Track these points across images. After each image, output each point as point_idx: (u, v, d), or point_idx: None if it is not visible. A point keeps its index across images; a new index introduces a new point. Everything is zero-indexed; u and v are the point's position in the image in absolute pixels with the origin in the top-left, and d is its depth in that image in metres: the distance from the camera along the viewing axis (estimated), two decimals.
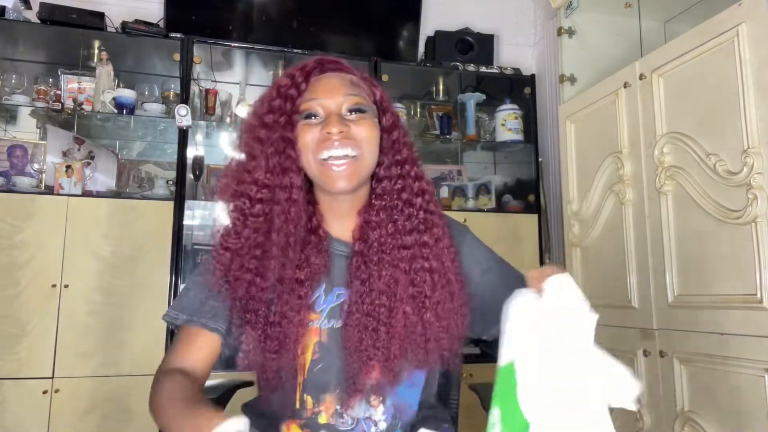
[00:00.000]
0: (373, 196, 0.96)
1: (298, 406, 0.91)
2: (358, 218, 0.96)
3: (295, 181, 0.90)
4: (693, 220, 1.58)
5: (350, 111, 0.92)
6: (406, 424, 0.95)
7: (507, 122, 2.81)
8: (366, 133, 0.92)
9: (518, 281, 0.94)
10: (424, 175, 0.99)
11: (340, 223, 0.97)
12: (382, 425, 0.92)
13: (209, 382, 1.00)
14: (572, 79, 2.25)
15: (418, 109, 3.00)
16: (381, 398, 0.92)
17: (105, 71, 2.43)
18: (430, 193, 0.98)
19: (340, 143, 0.89)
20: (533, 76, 2.97)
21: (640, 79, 1.77)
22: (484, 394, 1.63)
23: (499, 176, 3.00)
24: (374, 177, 0.97)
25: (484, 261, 1.05)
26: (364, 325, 0.88)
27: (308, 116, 0.91)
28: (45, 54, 2.61)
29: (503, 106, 2.84)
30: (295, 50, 2.67)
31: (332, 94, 0.92)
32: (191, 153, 2.57)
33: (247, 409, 0.99)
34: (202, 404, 0.77)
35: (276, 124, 0.91)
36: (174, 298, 2.26)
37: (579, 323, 0.77)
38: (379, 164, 0.96)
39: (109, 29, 2.53)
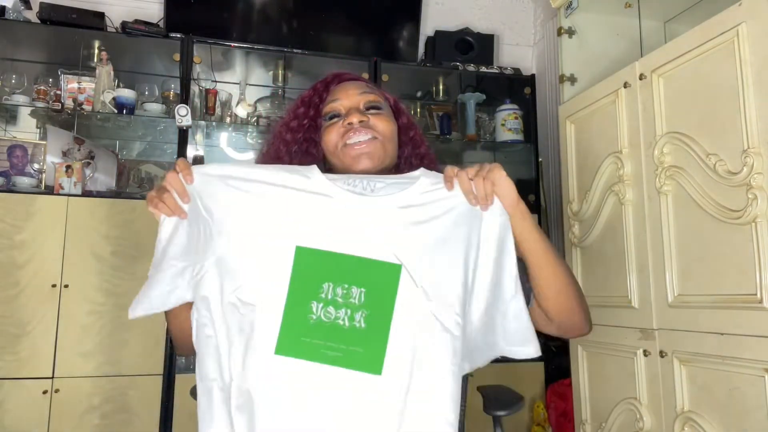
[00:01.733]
0: None
1: None
2: None
3: None
4: (693, 220, 1.58)
5: (367, 108, 1.02)
6: None
7: (507, 122, 2.82)
8: (384, 124, 1.01)
9: None
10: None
11: None
12: None
13: None
14: (572, 79, 2.25)
15: (418, 109, 3.00)
16: None
17: (105, 71, 2.43)
18: None
19: (361, 131, 0.98)
20: (533, 76, 2.97)
21: (640, 79, 1.77)
22: (491, 398, 1.62)
23: None
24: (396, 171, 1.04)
25: None
26: None
27: (331, 117, 1.02)
28: (45, 54, 2.61)
29: (503, 106, 2.84)
30: (295, 50, 2.67)
31: (350, 96, 1.02)
32: (191, 153, 2.57)
33: None
34: None
35: (301, 127, 1.03)
36: None
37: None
38: (398, 157, 1.05)
39: (109, 29, 2.54)
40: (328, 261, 0.79)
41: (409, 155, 1.06)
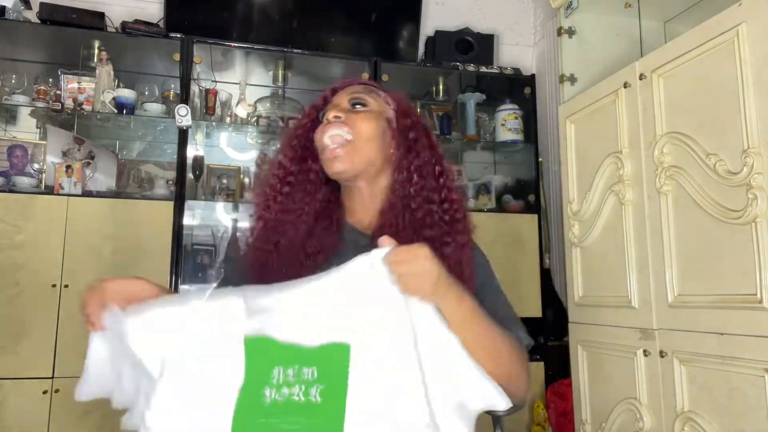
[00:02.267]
0: (391, 189, 1.04)
1: None
2: (379, 215, 1.03)
3: (312, 167, 1.07)
4: (693, 220, 1.58)
5: (352, 105, 1.04)
6: None
7: (507, 122, 2.82)
8: (362, 122, 1.02)
9: (506, 319, 0.95)
10: (450, 181, 1.04)
11: (361, 216, 1.06)
12: None
13: None
14: (572, 79, 2.25)
15: (418, 109, 3.00)
16: None
17: (105, 71, 2.43)
18: (457, 201, 1.03)
19: (335, 125, 1.00)
20: (533, 76, 2.97)
21: (640, 79, 1.77)
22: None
23: (499, 176, 2.99)
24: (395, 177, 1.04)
25: (486, 282, 1.04)
26: None
27: (323, 116, 1.05)
28: (45, 54, 2.61)
29: (503, 106, 2.84)
30: (295, 50, 2.67)
31: (341, 96, 1.06)
32: (191, 153, 2.57)
33: None
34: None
35: (303, 126, 1.09)
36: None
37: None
38: (395, 156, 1.04)
39: (109, 29, 2.54)
40: (276, 348, 0.78)
41: (401, 157, 1.02)
